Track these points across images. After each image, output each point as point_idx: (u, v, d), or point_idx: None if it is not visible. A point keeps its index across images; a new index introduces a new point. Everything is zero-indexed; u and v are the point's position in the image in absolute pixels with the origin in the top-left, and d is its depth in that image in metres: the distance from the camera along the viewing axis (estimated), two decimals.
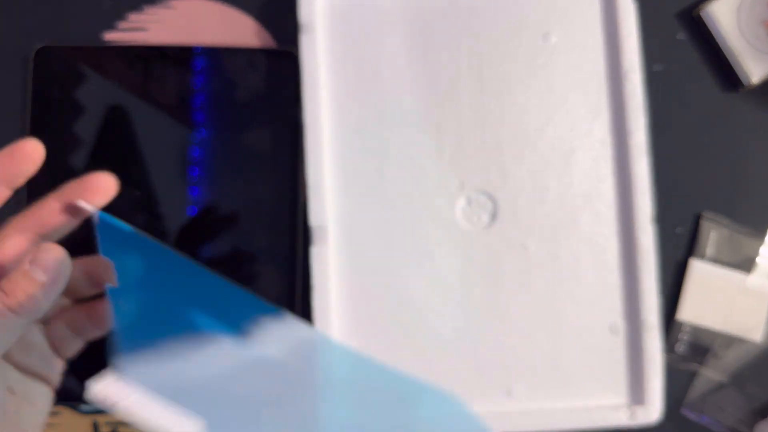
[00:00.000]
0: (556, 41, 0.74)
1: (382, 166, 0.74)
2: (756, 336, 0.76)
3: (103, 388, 0.56)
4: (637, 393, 0.73)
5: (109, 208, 0.74)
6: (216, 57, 0.76)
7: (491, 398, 0.73)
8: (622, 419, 0.72)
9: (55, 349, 0.59)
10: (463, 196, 0.73)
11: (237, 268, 0.75)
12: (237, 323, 0.56)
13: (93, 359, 0.75)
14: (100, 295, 0.58)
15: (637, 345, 0.73)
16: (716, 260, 0.76)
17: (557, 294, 0.73)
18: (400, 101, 0.74)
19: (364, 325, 0.73)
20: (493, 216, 0.73)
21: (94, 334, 0.58)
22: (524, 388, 0.73)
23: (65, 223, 0.55)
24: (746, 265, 0.76)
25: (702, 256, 0.76)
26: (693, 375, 0.77)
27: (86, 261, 0.58)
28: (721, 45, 0.76)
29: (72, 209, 0.55)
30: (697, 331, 0.76)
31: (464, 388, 0.73)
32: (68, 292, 0.57)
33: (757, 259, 0.76)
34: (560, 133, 0.74)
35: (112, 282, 0.55)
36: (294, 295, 0.75)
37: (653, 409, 0.72)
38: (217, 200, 0.75)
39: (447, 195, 0.73)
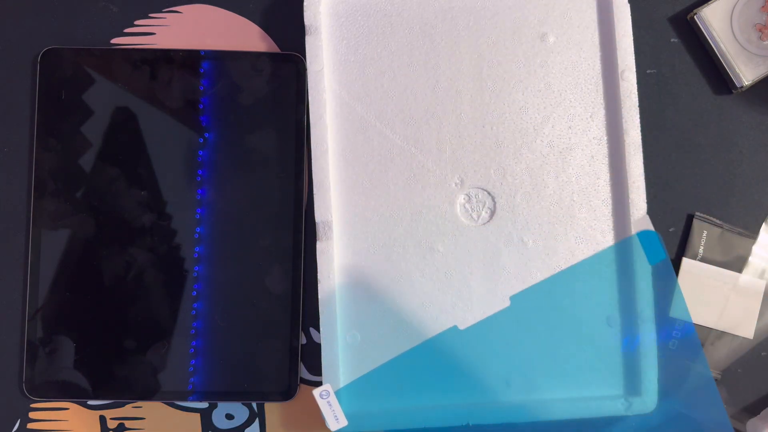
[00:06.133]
0: (553, 41, 0.76)
1: (384, 163, 0.75)
2: (748, 333, 0.77)
3: None
4: (633, 384, 0.74)
5: (117, 210, 0.75)
6: (221, 60, 0.77)
7: (490, 389, 0.74)
8: (619, 409, 0.73)
9: None
10: (462, 193, 0.75)
11: (245, 264, 0.77)
12: None
13: (96, 358, 0.77)
14: None
15: (633, 337, 0.74)
16: (708, 259, 0.77)
17: (555, 288, 0.74)
18: (402, 100, 0.75)
19: (368, 317, 0.75)
20: (492, 212, 0.74)
21: None
22: (523, 379, 0.74)
23: None
24: (738, 263, 0.77)
25: (694, 255, 0.77)
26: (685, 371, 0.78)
27: None
28: (714, 48, 0.77)
29: None
30: None
31: (464, 379, 0.74)
32: None
33: (749, 258, 0.77)
34: (558, 132, 0.75)
35: None
36: (299, 290, 0.76)
37: (649, 400, 0.73)
38: (224, 200, 0.76)
39: (447, 192, 0.75)
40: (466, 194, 0.75)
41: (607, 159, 0.75)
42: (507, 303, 0.74)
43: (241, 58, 0.77)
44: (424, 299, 0.74)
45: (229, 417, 0.77)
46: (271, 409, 0.78)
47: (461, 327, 0.74)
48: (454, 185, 0.75)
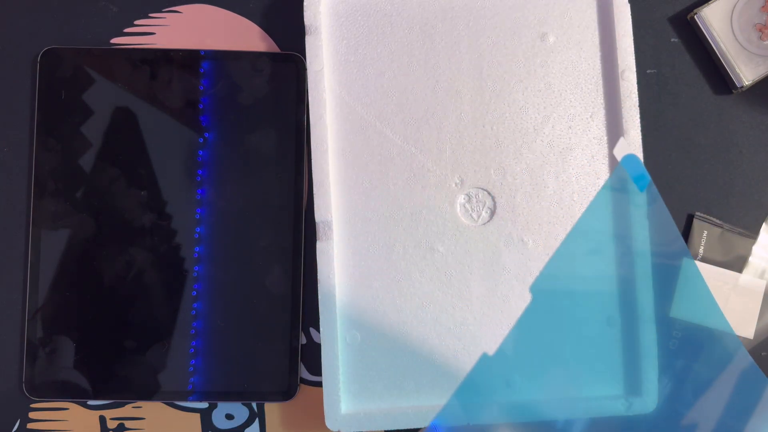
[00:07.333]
0: (554, 41, 0.76)
1: (384, 163, 0.75)
2: (748, 333, 0.77)
3: None
4: (633, 384, 0.74)
5: (117, 210, 0.75)
6: (221, 60, 0.77)
7: (490, 389, 0.74)
8: (619, 409, 0.73)
9: None
10: (462, 193, 0.75)
11: (245, 264, 0.77)
12: None
13: (96, 358, 0.77)
14: None
15: (633, 337, 0.74)
16: (708, 259, 0.77)
17: (555, 287, 0.74)
18: (402, 100, 0.75)
19: (368, 317, 0.74)
20: (492, 212, 0.74)
21: None
22: (523, 379, 0.74)
23: None
24: (738, 263, 0.77)
25: (695, 255, 0.77)
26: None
27: None
28: (714, 48, 0.77)
29: None
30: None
31: (464, 379, 0.74)
32: None
33: (749, 258, 0.77)
34: (558, 131, 0.75)
35: None
36: (299, 290, 0.76)
37: (649, 400, 0.73)
38: (224, 200, 0.76)
39: (447, 191, 0.75)
40: (466, 194, 0.75)
41: (607, 159, 0.75)
42: (507, 303, 0.74)
43: (241, 58, 0.77)
44: (424, 299, 0.74)
45: (229, 417, 0.77)
46: (271, 409, 0.78)
47: (461, 327, 0.74)
48: (454, 185, 0.75)
